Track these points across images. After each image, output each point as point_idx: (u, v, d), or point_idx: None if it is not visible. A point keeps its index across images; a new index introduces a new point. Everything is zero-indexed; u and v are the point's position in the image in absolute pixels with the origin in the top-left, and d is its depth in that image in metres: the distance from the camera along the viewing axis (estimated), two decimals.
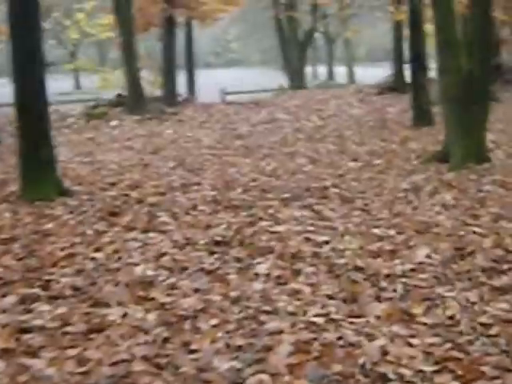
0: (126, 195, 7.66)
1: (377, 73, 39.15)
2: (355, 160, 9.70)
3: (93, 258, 5.26)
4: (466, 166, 8.18)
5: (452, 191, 7.18)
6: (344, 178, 8.24)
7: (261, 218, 6.31)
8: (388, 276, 4.53)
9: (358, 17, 49.58)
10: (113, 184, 8.44)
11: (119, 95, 19.89)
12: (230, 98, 24.35)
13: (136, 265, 5.03)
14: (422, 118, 13.19)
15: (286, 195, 7.31)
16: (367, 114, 16.62)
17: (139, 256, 5.27)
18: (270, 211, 6.58)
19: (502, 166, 8.37)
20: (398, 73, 22.11)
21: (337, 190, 7.55)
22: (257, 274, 4.69)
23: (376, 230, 5.71)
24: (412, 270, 4.65)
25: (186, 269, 4.89)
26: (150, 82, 21.97)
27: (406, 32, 25.63)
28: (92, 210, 6.95)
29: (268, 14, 32.20)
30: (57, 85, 23.48)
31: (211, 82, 37.82)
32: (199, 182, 8.43)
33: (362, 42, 75.28)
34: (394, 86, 21.87)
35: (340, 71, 50.93)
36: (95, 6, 33.87)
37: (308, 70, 35.74)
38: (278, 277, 4.62)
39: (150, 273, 4.82)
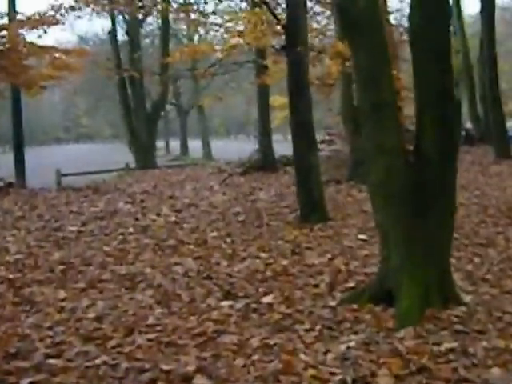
0: None
1: (233, 147, 36.81)
2: (230, 295, 6.13)
3: None
4: (429, 314, 4.83)
5: None
6: (217, 351, 4.60)
7: None
8: None
9: (210, 87, 47.56)
10: None
11: None
12: (68, 179, 20.55)
13: None
14: (313, 210, 9.94)
15: None
16: (234, 203, 13.24)
17: None
18: None
19: (485, 311, 5.08)
20: (266, 147, 19.14)
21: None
22: None
23: None
24: None
25: None
26: None
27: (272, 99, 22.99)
28: None
29: (114, 83, 28.73)
30: None
31: (50, 161, 33.77)
32: None
33: (216, 113, 73.46)
34: (262, 163, 18.83)
35: (194, 145, 48.21)
36: None
37: (159, 144, 32.29)
38: None
39: None
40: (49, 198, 15.55)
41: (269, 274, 6.89)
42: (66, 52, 17.22)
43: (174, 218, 11.49)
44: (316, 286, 6.28)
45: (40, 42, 17.60)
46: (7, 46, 16.66)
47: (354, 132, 14.88)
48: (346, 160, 16.17)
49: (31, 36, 42.77)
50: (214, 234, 9.70)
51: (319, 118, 24.25)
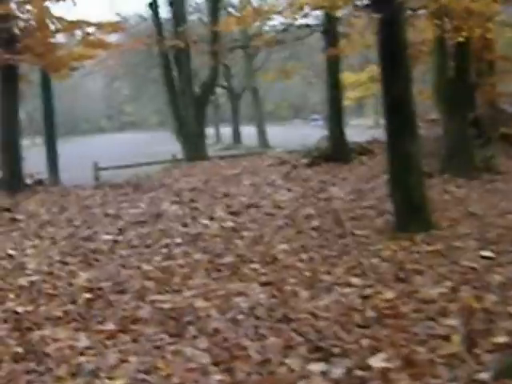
0: None
1: (290, 133, 35.63)
2: (320, 351, 4.50)
3: None
4: None
5: None
6: None
7: None
8: None
9: (264, 68, 45.91)
10: None
11: None
12: (107, 174, 19.42)
13: None
14: (412, 215, 8.21)
15: None
16: (303, 203, 11.62)
17: None
18: None
19: None
20: (337, 133, 17.43)
21: None
22: None
23: None
24: None
25: None
26: None
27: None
28: None
29: (157, 64, 27.36)
30: None
31: (90, 153, 32.81)
32: None
33: (268, 97, 71.77)
34: (332, 153, 17.12)
35: (246, 132, 46.74)
36: None
37: (209, 132, 30.84)
38: None
39: None
40: (82, 197, 14.14)
41: (370, 313, 5.22)
42: (100, 26, 15.75)
43: (230, 224, 9.91)
44: (445, 338, 4.60)
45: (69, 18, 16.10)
46: (32, 21, 15.27)
47: (449, 113, 13.05)
48: (435, 148, 14.33)
49: (58, 11, 41.32)
50: (285, 246, 8.08)
51: None
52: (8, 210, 12.33)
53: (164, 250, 8.27)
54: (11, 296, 6.39)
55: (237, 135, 47.25)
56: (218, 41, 22.49)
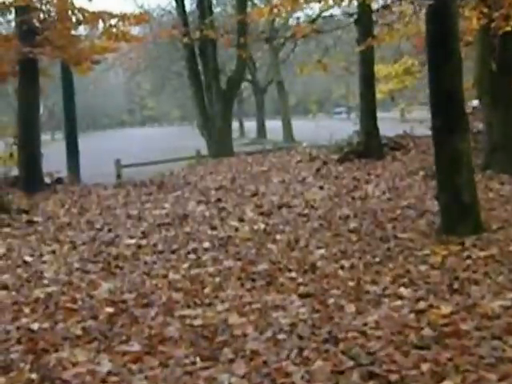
0: None
1: (314, 127, 35.32)
2: (374, 379, 4.02)
3: None
4: None
5: None
6: None
7: None
8: None
9: (289, 61, 45.45)
10: None
11: None
12: (129, 171, 19.13)
13: None
14: (462, 217, 7.68)
15: None
16: (337, 202, 11.15)
17: None
18: None
19: None
20: (370, 128, 16.90)
21: None
22: None
23: None
24: None
25: None
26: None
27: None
28: None
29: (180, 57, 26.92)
30: None
31: (112, 148, 32.56)
32: None
33: (291, 91, 71.30)
34: (364, 148, 16.59)
35: (270, 126, 46.30)
36: None
37: (233, 126, 30.37)
38: None
39: None
40: (104, 196, 13.76)
41: (427, 331, 4.72)
42: (123, 17, 15.32)
43: (262, 226, 9.44)
44: None
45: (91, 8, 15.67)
46: (52, 13, 14.88)
47: (492, 106, 12.48)
48: (476, 143, 13.72)
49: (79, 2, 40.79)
50: (322, 251, 7.60)
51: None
52: (25, 211, 11.96)
53: (192, 256, 7.83)
54: (26, 311, 5.96)
55: (261, 129, 46.79)
56: (245, 33, 21.92)
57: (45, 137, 65.64)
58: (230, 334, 4.99)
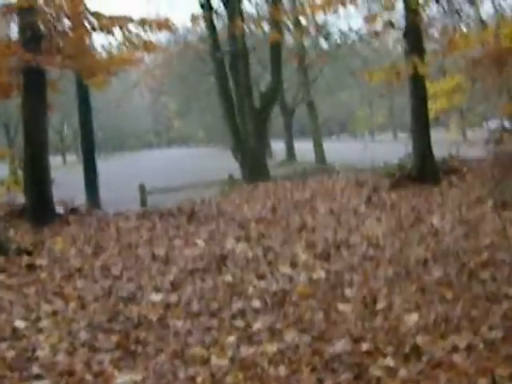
0: None
1: (344, 148, 33.93)
2: None
3: None
4: None
5: None
6: None
7: None
8: None
9: (318, 81, 43.76)
10: None
11: None
12: (155, 197, 17.51)
13: None
14: None
15: None
16: (404, 240, 9.08)
17: None
18: None
19: None
20: (423, 149, 14.93)
21: None
22: None
23: None
24: None
25: None
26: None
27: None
28: None
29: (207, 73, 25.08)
30: None
31: (137, 171, 31.07)
32: None
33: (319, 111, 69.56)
34: (419, 173, 14.58)
35: (298, 147, 44.47)
36: None
37: None
38: None
39: None
40: (125, 230, 11.76)
41: None
42: (144, 23, 13.36)
43: (322, 274, 7.40)
44: None
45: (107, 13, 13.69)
46: (65, 19, 12.93)
47: None
48: None
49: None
50: (415, 318, 5.52)
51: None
52: (27, 252, 9.90)
53: (239, 323, 5.81)
54: None
55: (290, 151, 44.83)
56: (278, 46, 20.01)
57: (70, 157, 64.39)
58: None
